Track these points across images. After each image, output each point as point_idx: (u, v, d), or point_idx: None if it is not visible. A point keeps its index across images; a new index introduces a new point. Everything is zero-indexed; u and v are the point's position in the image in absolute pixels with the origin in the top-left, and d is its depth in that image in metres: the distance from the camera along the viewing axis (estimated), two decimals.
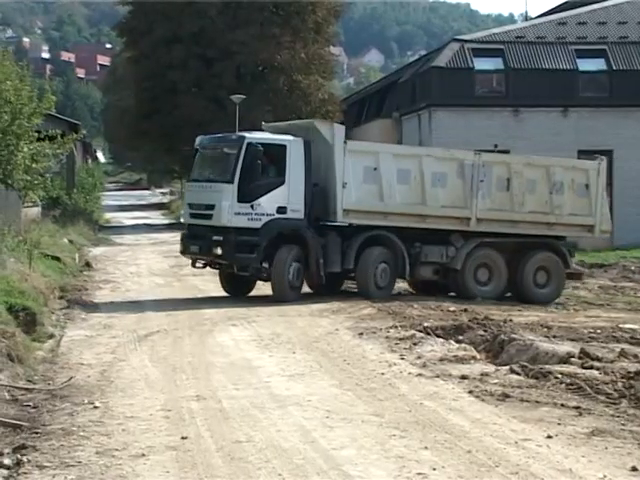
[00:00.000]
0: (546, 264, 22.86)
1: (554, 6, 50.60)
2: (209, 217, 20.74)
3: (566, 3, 48.07)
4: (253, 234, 20.40)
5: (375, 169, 21.34)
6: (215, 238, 20.36)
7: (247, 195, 20.42)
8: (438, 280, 22.42)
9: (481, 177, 22.22)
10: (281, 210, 20.72)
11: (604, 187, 23.75)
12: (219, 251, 20.38)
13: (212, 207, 20.61)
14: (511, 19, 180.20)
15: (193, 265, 21.91)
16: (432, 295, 21.67)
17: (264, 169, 20.48)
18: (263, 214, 20.53)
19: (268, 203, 20.58)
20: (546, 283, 22.81)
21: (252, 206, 20.47)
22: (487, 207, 22.39)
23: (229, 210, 20.30)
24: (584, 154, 39.27)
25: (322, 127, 21.52)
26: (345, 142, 21.23)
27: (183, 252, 22.06)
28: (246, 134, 21.11)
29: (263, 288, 21.71)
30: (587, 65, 40.54)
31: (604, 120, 39.31)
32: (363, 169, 21.30)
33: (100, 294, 21.98)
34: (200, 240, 20.92)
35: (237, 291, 21.82)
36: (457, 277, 22.14)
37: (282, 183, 20.77)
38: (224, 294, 21.79)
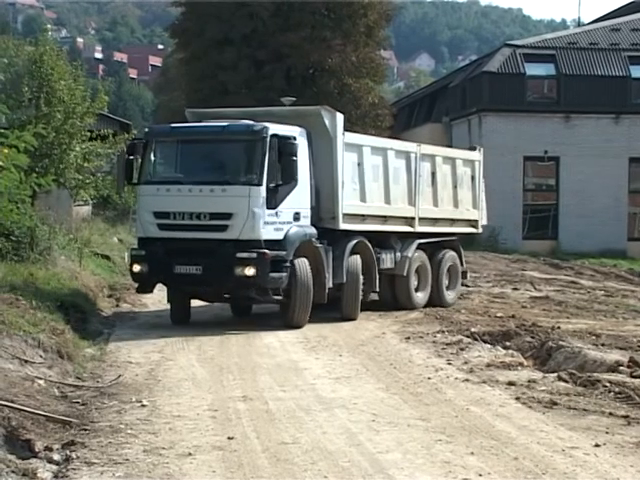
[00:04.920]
0: (451, 264, 21.35)
1: (607, 12, 50.29)
2: (221, 229, 16.59)
3: (620, 9, 47.76)
4: (280, 247, 16.80)
5: (359, 165, 18.66)
6: (242, 256, 16.26)
7: (272, 200, 16.75)
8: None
9: (420, 172, 20.26)
10: (296, 216, 17.30)
11: (482, 179, 22.45)
12: (250, 272, 16.29)
13: (227, 216, 16.57)
14: (563, 25, 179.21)
15: (142, 291, 18.01)
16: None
17: (289, 166, 16.92)
18: (284, 222, 17.00)
19: (287, 209, 17.08)
20: (449, 284, 21.31)
21: (277, 213, 16.86)
22: (423, 204, 20.47)
23: (261, 220, 16.62)
24: (636, 162, 39.25)
25: (327, 116, 17.94)
26: (343, 134, 18.14)
27: (150, 278, 17.30)
28: (267, 124, 17.03)
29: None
30: None
31: None
32: (352, 165, 18.49)
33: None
34: (203, 259, 16.59)
35: (186, 318, 17.94)
36: (401, 284, 19.97)
37: (296, 184, 17.20)
38: None
